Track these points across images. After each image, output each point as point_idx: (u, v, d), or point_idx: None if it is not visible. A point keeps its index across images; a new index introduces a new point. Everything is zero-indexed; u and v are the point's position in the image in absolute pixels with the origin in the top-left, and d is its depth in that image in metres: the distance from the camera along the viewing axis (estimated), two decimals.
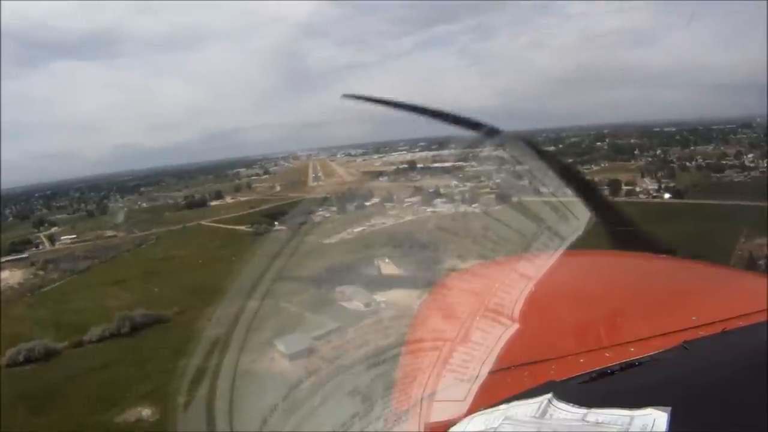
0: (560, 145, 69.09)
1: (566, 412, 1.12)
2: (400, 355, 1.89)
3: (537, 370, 1.58)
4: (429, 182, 56.93)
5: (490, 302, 1.88)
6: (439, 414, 1.55)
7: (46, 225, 67.37)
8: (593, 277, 2.41)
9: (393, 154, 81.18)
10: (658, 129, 70.04)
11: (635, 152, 65.08)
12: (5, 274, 53.54)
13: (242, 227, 60.86)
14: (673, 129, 68.79)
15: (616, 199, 54.32)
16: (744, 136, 61.46)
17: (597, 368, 1.38)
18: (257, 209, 66.97)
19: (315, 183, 74.81)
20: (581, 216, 2.08)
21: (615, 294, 2.20)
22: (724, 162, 57.97)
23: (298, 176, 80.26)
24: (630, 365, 1.36)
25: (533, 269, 1.98)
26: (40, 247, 62.18)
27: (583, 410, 1.09)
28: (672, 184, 55.95)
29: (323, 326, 26.79)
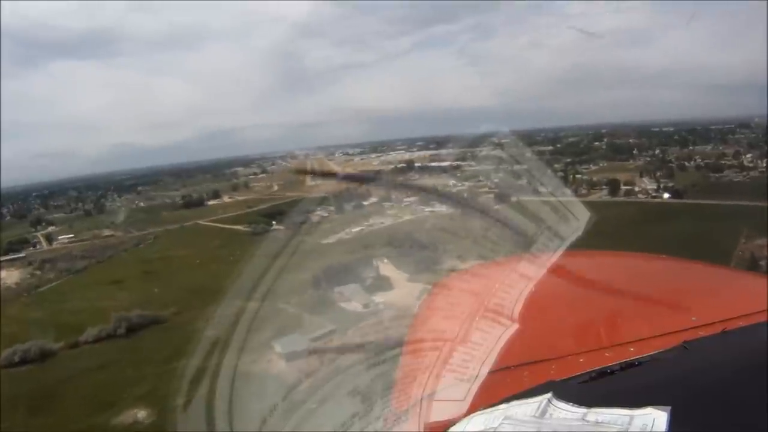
0: (558, 145, 69.20)
1: (566, 411, 1.12)
2: (400, 355, 1.89)
3: (537, 370, 1.58)
4: (426, 182, 56.94)
5: (490, 302, 1.88)
6: (438, 414, 1.55)
7: (44, 224, 67.11)
8: (593, 277, 2.42)
9: (391, 153, 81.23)
10: (656, 129, 70.20)
11: (634, 152, 65.18)
12: (2, 273, 53.33)
13: (240, 227, 60.75)
14: (672, 129, 68.94)
15: (615, 198, 54.49)
16: (742, 136, 61.63)
17: (597, 368, 1.38)
18: (255, 208, 66.84)
19: (312, 182, 74.63)
20: (581, 216, 2.08)
21: (615, 294, 2.21)
22: (723, 162, 58.10)
23: (295, 176, 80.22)
24: (630, 365, 1.36)
25: (533, 269, 1.98)
26: (37, 246, 61.94)
27: (583, 410, 1.10)
28: (671, 184, 56.03)
29: (322, 327, 26.75)
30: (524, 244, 2.06)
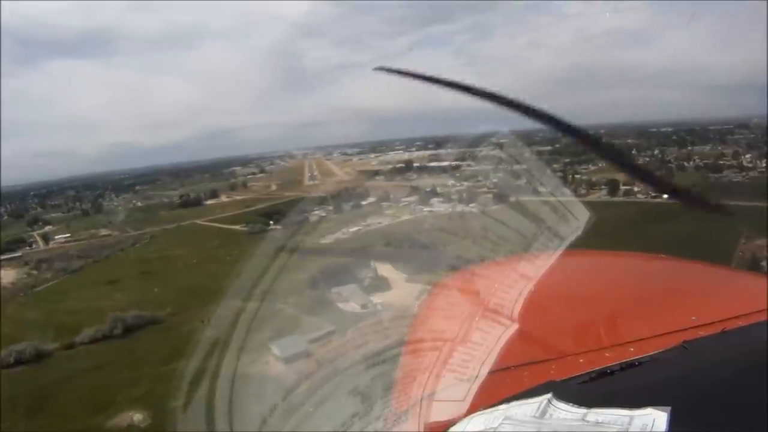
0: (557, 145, 69.18)
1: (566, 411, 1.12)
2: (400, 355, 1.89)
3: (537, 370, 1.58)
4: (426, 181, 56.96)
5: (490, 302, 1.88)
6: (438, 414, 1.55)
7: (41, 224, 66.96)
8: (593, 277, 2.43)
9: (389, 153, 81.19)
10: (654, 129, 70.29)
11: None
12: None
13: (237, 226, 60.67)
14: (670, 129, 69.04)
15: (615, 198, 54.53)
16: (741, 136, 61.74)
17: (597, 368, 1.38)
18: (252, 208, 66.74)
19: (311, 182, 74.76)
20: (581, 216, 2.08)
21: (615, 294, 2.21)
22: (722, 162, 58.21)
23: (294, 175, 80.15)
24: (630, 365, 1.36)
25: (533, 269, 1.98)
26: (34, 246, 61.77)
27: (583, 410, 1.10)
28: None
29: (320, 328, 26.65)
30: (524, 244, 2.06)
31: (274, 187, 76.98)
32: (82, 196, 76.76)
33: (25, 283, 51.87)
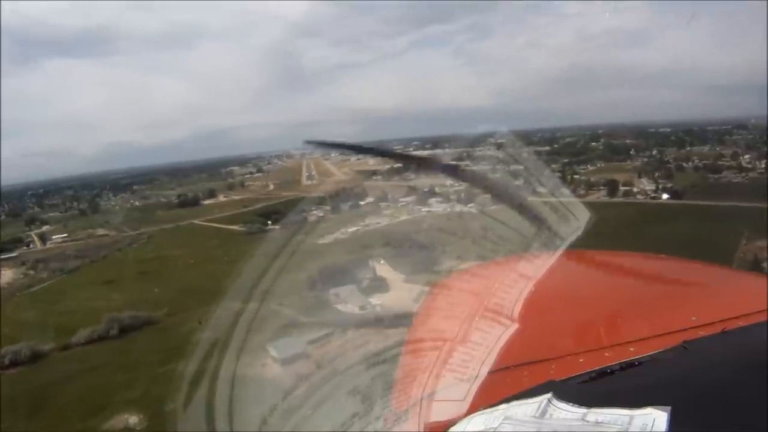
0: (555, 145, 69.32)
1: (566, 411, 1.12)
2: (400, 355, 1.89)
3: (537, 370, 1.58)
4: (423, 182, 56.85)
5: (490, 302, 1.88)
6: (438, 414, 1.55)
7: (38, 223, 66.77)
8: (593, 277, 2.43)
9: None
10: (653, 129, 70.40)
11: (631, 152, 65.36)
12: None
13: (235, 226, 60.60)
14: (668, 130, 69.15)
15: (614, 199, 54.58)
16: (740, 137, 61.86)
17: (597, 368, 1.38)
18: (250, 208, 66.70)
19: (308, 182, 74.71)
20: (580, 216, 2.09)
21: (615, 294, 2.21)
22: (721, 163, 58.31)
23: (291, 175, 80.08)
24: (630, 365, 1.36)
25: (533, 269, 1.98)
26: (31, 246, 61.59)
27: (583, 410, 1.09)
28: (669, 185, 56.19)
29: (319, 329, 26.51)
30: (524, 244, 2.06)
31: (271, 187, 76.96)
32: (79, 195, 76.56)
33: (21, 284, 51.68)
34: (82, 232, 63.88)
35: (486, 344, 1.73)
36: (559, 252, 2.01)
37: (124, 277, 50.35)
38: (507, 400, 1.25)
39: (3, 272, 53.58)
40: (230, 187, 78.43)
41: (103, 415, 29.52)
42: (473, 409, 1.39)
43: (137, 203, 73.82)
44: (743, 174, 55.32)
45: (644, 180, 58.13)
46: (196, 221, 66.00)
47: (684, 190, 54.50)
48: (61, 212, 71.17)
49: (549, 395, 1.18)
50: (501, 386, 1.52)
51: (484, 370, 1.65)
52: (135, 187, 79.76)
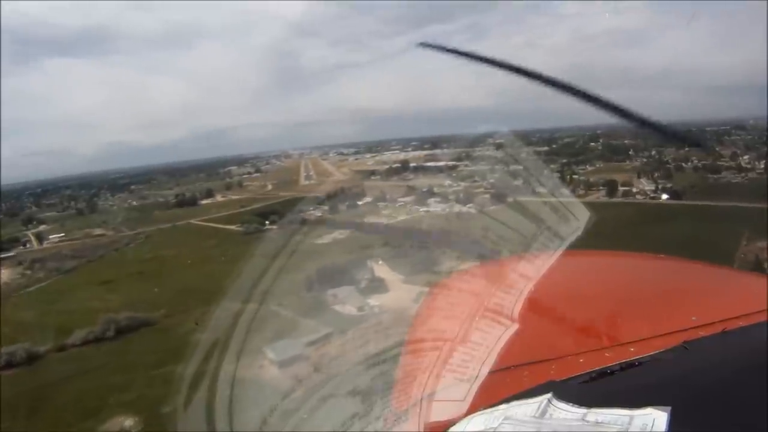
0: (554, 145, 69.34)
1: (566, 411, 1.12)
2: (400, 355, 1.89)
3: (537, 370, 1.58)
4: (422, 182, 56.95)
5: (490, 302, 1.88)
6: (439, 414, 1.55)
7: (35, 223, 66.60)
8: (593, 277, 2.43)
9: (385, 153, 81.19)
10: None
11: (630, 153, 65.39)
12: None
13: (232, 226, 60.47)
14: None
15: (613, 199, 54.56)
16: (738, 137, 61.95)
17: (597, 368, 1.38)
18: (248, 208, 66.56)
19: (307, 182, 74.70)
20: (580, 216, 2.09)
21: (615, 294, 2.21)
22: (721, 163, 58.37)
23: (289, 175, 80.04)
24: (630, 365, 1.36)
25: (533, 269, 1.98)
26: (28, 245, 61.40)
27: (583, 410, 1.09)
28: (669, 185, 56.24)
29: (316, 331, 26.43)
30: (524, 244, 2.06)
31: (269, 187, 76.90)
32: (77, 195, 76.45)
33: (18, 284, 51.43)
34: (79, 232, 63.67)
35: (486, 344, 1.73)
36: (559, 252, 2.01)
37: (121, 278, 50.20)
38: (507, 400, 1.25)
39: (0, 272, 53.40)
40: (228, 187, 78.34)
41: (99, 417, 29.20)
42: (473, 409, 1.39)
43: (135, 203, 73.68)
44: (742, 174, 55.35)
45: (643, 180, 58.20)
46: (193, 221, 65.86)
47: (683, 191, 54.51)
48: (58, 212, 71.00)
49: (549, 395, 1.18)
50: (501, 386, 1.52)
51: (484, 370, 1.65)
52: (133, 187, 79.66)
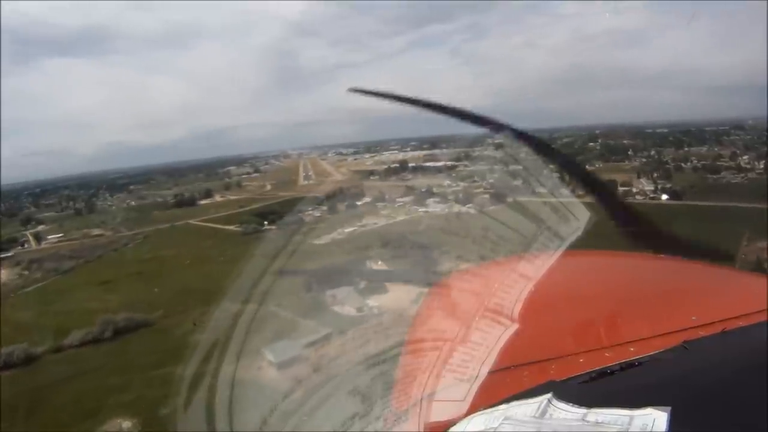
0: (553, 146, 69.19)
1: (566, 411, 1.12)
2: (400, 355, 1.88)
3: (537, 370, 1.58)
4: (420, 182, 56.94)
5: (490, 302, 1.88)
6: (438, 414, 1.55)
7: (33, 223, 66.48)
8: (593, 277, 2.43)
9: (384, 153, 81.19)
10: (650, 130, 70.50)
11: (629, 153, 65.41)
12: None
13: (231, 227, 60.39)
14: (666, 130, 69.25)
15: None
16: (737, 137, 62.01)
17: (597, 368, 1.38)
18: (247, 208, 66.49)
19: (306, 182, 74.67)
20: (580, 216, 2.09)
21: (615, 294, 2.21)
22: (720, 163, 58.40)
23: (288, 175, 79.98)
24: (630, 365, 1.36)
25: (533, 269, 1.98)
26: (26, 245, 61.27)
27: (583, 410, 1.10)
28: (668, 185, 56.26)
29: (315, 332, 26.35)
30: (524, 244, 2.06)
31: (268, 187, 76.84)
32: (75, 195, 76.29)
33: (16, 284, 51.26)
34: (77, 232, 63.52)
35: (486, 344, 1.73)
36: (559, 252, 2.02)
37: (118, 278, 50.06)
38: (507, 400, 1.25)
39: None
40: (227, 187, 78.25)
41: (97, 418, 29.03)
42: (473, 409, 1.39)
43: (133, 203, 73.55)
44: (742, 174, 55.37)
45: (643, 180, 58.20)
46: (192, 221, 65.76)
47: (683, 191, 54.50)
48: (57, 212, 70.86)
49: (549, 395, 1.18)
50: (501, 386, 1.52)
51: (484, 370, 1.66)
52: (131, 187, 79.50)
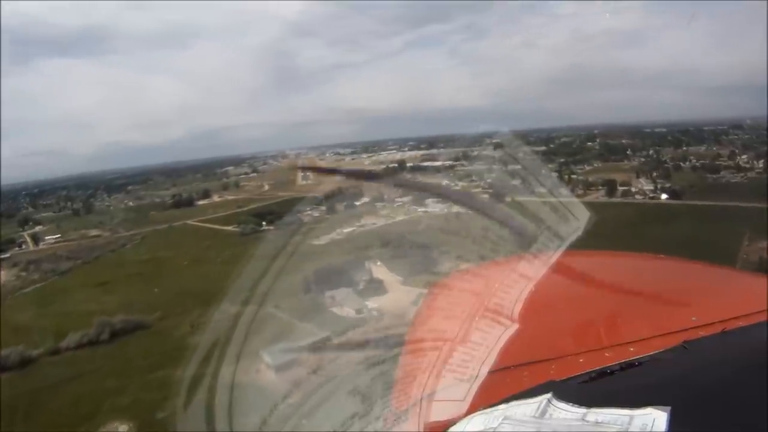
0: (551, 145, 69.44)
1: (566, 411, 1.12)
2: (400, 355, 1.88)
3: (537, 370, 1.58)
4: (419, 182, 56.78)
5: (490, 302, 1.88)
6: (438, 414, 1.55)
7: (31, 224, 66.33)
8: (593, 277, 2.43)
9: (382, 153, 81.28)
10: (648, 129, 70.68)
11: (627, 152, 65.50)
12: None
13: (229, 227, 60.35)
14: (664, 130, 69.43)
15: (612, 199, 54.63)
16: (736, 137, 62.21)
17: (597, 368, 1.38)
18: (245, 208, 66.48)
19: (304, 182, 74.64)
20: (580, 216, 2.09)
21: (615, 294, 2.21)
22: (719, 162, 58.54)
23: (286, 175, 79.93)
24: (630, 365, 1.36)
25: (533, 269, 1.98)
26: (23, 246, 61.11)
27: (583, 410, 1.09)
28: (668, 185, 56.32)
29: (313, 334, 26.31)
30: (523, 244, 2.06)
31: (266, 188, 76.79)
32: (73, 195, 76.17)
33: (13, 286, 51.05)
34: (75, 233, 63.39)
35: (486, 344, 1.73)
36: (559, 252, 2.02)
37: (116, 279, 49.92)
38: (507, 400, 1.25)
39: None
40: (225, 188, 78.22)
41: (94, 422, 28.90)
42: (473, 409, 1.39)
43: (131, 203, 73.45)
44: (742, 174, 55.50)
45: (642, 180, 58.28)
46: (190, 222, 65.69)
47: (682, 190, 54.56)
48: (54, 212, 70.74)
49: (549, 395, 1.18)
50: (501, 386, 1.52)
51: (484, 370, 1.66)
52: (129, 188, 79.38)
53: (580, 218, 2.07)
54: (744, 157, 57.86)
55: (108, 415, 29.21)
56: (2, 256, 56.66)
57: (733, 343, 1.43)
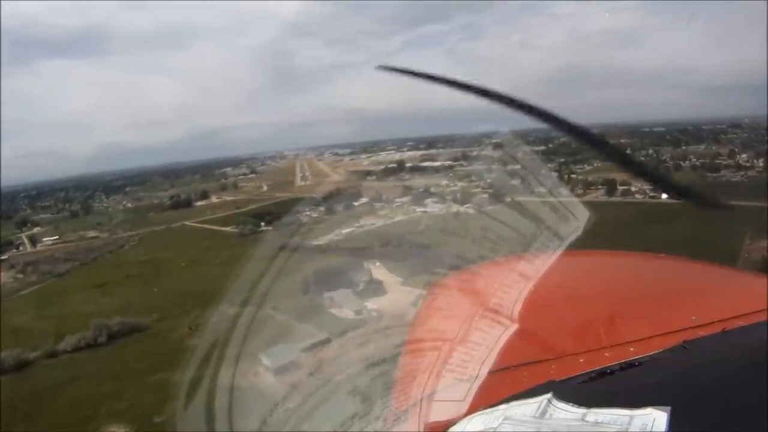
0: (551, 145, 69.49)
1: (566, 411, 1.12)
2: (400, 355, 1.88)
3: (537, 370, 1.57)
4: (418, 182, 56.97)
5: (490, 302, 1.88)
6: (438, 414, 1.55)
7: (29, 225, 66.22)
8: (593, 277, 2.43)
9: (381, 153, 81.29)
10: (647, 129, 70.80)
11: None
12: None
13: (227, 228, 60.30)
14: (663, 129, 69.54)
15: (612, 199, 54.67)
16: (735, 135, 62.33)
17: (597, 368, 1.38)
18: (243, 209, 66.47)
19: (302, 183, 74.64)
20: (580, 216, 2.08)
21: (615, 294, 2.21)
22: (719, 161, 58.61)
23: (285, 176, 79.94)
24: (630, 365, 1.36)
25: (533, 269, 1.98)
26: (21, 248, 60.96)
27: (582, 410, 1.09)
28: None
29: (312, 335, 26.24)
30: (523, 244, 2.06)
31: (265, 188, 76.81)
32: (71, 197, 76.13)
33: (10, 287, 50.87)
34: (73, 235, 63.32)
35: (486, 344, 1.72)
36: (559, 252, 2.01)
37: (114, 281, 49.74)
38: (507, 400, 1.24)
39: None
40: (223, 188, 78.24)
41: (91, 426, 28.69)
42: (473, 409, 1.39)
43: (129, 205, 73.40)
44: (742, 173, 55.57)
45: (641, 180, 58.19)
46: (188, 223, 65.61)
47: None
48: (52, 214, 70.65)
49: (549, 395, 1.17)
50: (501, 386, 1.52)
51: (484, 370, 1.65)
52: (128, 189, 79.38)
53: (579, 218, 2.07)
54: (743, 155, 57.97)
55: (106, 419, 29.03)
56: (0, 258, 56.50)
57: (733, 343, 1.42)
